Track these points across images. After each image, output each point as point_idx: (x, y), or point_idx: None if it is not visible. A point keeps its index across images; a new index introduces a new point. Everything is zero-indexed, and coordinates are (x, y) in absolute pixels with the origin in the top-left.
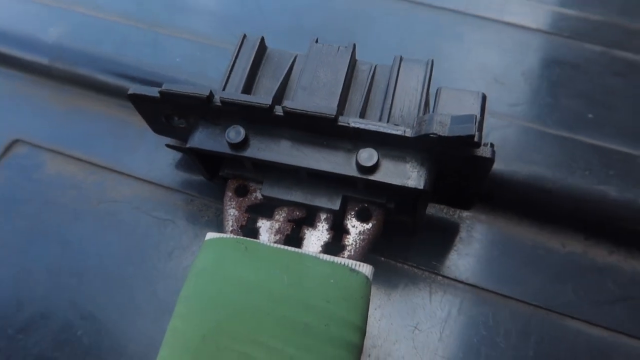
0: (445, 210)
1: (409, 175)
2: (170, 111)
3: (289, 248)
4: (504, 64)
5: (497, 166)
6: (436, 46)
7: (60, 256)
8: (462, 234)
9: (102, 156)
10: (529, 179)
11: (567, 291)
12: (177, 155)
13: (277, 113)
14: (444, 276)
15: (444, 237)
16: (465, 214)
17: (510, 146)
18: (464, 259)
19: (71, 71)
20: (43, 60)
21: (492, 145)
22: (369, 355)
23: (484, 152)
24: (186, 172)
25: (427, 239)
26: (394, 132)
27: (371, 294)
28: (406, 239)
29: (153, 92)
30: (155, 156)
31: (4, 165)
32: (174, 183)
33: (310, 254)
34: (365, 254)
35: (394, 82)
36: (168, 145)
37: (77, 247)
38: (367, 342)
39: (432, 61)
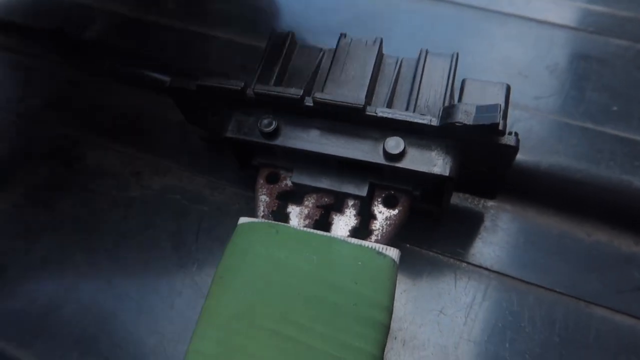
0: (470, 200)
1: (434, 162)
2: (206, 103)
3: (318, 232)
4: (528, 58)
5: (522, 156)
6: (460, 42)
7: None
8: (487, 222)
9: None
10: (553, 169)
11: (592, 280)
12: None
13: (307, 104)
14: (468, 263)
15: (469, 225)
16: (490, 203)
17: (535, 137)
18: (489, 247)
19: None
20: None
21: (516, 134)
22: (395, 338)
23: (508, 140)
24: (217, 162)
25: (452, 227)
26: (420, 120)
27: (398, 279)
28: (431, 227)
29: (191, 85)
30: (186, 146)
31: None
32: (204, 172)
33: (339, 237)
34: (392, 238)
35: (420, 74)
36: (202, 139)
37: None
38: (394, 325)
39: (457, 54)
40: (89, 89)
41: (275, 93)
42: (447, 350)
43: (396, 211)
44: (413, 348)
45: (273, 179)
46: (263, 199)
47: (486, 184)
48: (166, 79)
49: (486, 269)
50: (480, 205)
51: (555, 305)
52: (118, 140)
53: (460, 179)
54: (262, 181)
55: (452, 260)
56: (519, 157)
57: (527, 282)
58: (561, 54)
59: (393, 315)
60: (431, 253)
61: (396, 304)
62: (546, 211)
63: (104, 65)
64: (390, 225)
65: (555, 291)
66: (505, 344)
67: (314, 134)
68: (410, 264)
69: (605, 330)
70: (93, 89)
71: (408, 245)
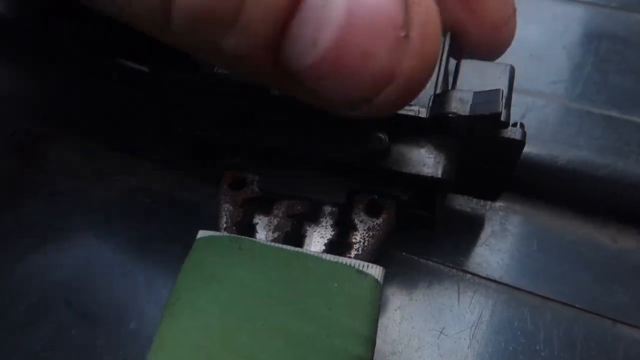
0: (474, 200)
1: (424, 162)
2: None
3: (288, 247)
4: (542, 38)
5: (536, 150)
6: None
7: None
8: (495, 226)
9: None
10: (573, 165)
11: (619, 293)
12: None
13: (273, 92)
14: (473, 274)
15: (473, 230)
16: (497, 204)
17: (551, 128)
18: (497, 254)
19: None
20: None
21: (522, 125)
22: None
23: (512, 133)
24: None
25: (454, 232)
26: (405, 112)
27: (391, 293)
28: (430, 232)
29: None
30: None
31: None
32: (175, 170)
33: (312, 253)
34: (375, 253)
35: None
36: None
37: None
38: (387, 348)
39: (451, 33)
40: (51, 80)
41: (237, 78)
42: None
43: (380, 220)
44: None
45: (238, 185)
46: (226, 207)
47: (487, 184)
48: (144, 69)
49: (494, 280)
50: (487, 206)
51: (576, 324)
52: (81, 136)
53: (457, 179)
54: (225, 187)
55: (454, 270)
56: (532, 150)
57: (542, 296)
58: (580, 32)
59: (386, 337)
60: (430, 263)
61: (389, 322)
62: (564, 213)
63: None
64: (373, 237)
65: (575, 307)
66: None
67: (284, 129)
68: (406, 276)
69: (635, 353)
70: (55, 81)
71: (404, 253)
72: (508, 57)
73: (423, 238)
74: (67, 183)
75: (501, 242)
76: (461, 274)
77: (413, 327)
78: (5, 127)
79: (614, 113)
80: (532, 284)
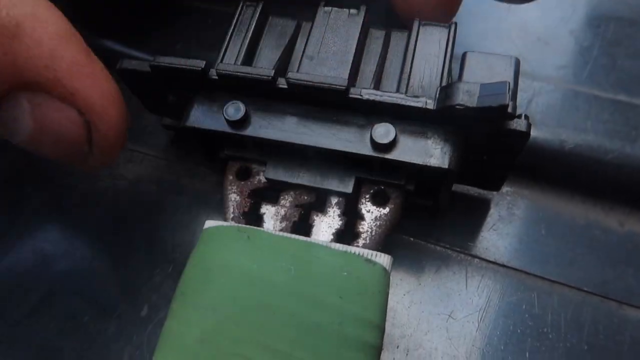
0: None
1: (431, 153)
2: (163, 87)
3: (296, 237)
4: (549, 22)
5: (543, 135)
6: (471, 5)
7: None
8: (502, 211)
9: None
10: (580, 149)
11: (626, 276)
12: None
13: (280, 85)
14: (481, 258)
15: (481, 215)
16: (505, 189)
17: (558, 112)
18: (505, 239)
19: None
20: None
21: (526, 117)
22: (398, 347)
23: (518, 125)
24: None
25: (462, 217)
26: (413, 104)
27: (400, 278)
28: (437, 217)
29: (143, 66)
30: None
31: None
32: (182, 159)
33: (320, 243)
34: (383, 242)
35: (412, 49)
36: (164, 126)
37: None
38: (396, 332)
39: (456, 24)
40: None
41: (243, 74)
42: None
43: (387, 210)
44: (418, 358)
45: (244, 175)
46: (233, 198)
47: (489, 174)
48: (148, 57)
49: (502, 265)
50: (493, 192)
51: (583, 307)
52: None
53: (461, 169)
54: (231, 177)
55: (462, 255)
56: (540, 135)
57: (550, 280)
58: (587, 15)
59: (395, 321)
60: (438, 247)
61: (399, 307)
62: (572, 198)
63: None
64: (380, 226)
65: (582, 290)
66: (525, 353)
67: (290, 121)
68: (414, 260)
69: None
70: None
71: (412, 239)
72: (515, 41)
73: (431, 223)
74: (75, 174)
75: (509, 226)
76: (469, 258)
77: (422, 311)
78: None
79: (622, 97)
80: (540, 268)
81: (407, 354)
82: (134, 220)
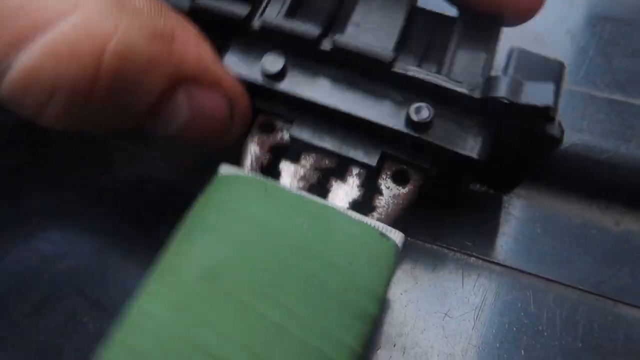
0: (478, 185)
1: (463, 140)
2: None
3: (315, 197)
4: (546, 22)
5: None
6: None
7: None
8: (498, 210)
9: None
10: (576, 149)
11: (622, 274)
12: None
13: (323, 47)
14: (477, 257)
15: (478, 214)
16: None
17: None
18: (501, 238)
19: None
20: None
21: (560, 124)
22: (394, 345)
23: (553, 130)
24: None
25: (459, 216)
26: (458, 89)
27: (397, 277)
28: (434, 216)
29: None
30: None
31: None
32: (185, 158)
33: (339, 208)
34: (397, 220)
35: (457, 35)
36: None
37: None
38: (393, 331)
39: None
40: None
41: (288, 29)
42: (454, 359)
43: (406, 190)
44: (415, 357)
45: (268, 129)
46: (253, 149)
47: (507, 175)
48: None
49: (498, 264)
50: (491, 190)
51: (579, 305)
52: None
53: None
54: (255, 129)
55: (458, 254)
56: None
57: (546, 279)
58: (584, 15)
59: (392, 320)
60: (435, 246)
61: (395, 305)
62: (567, 197)
63: None
64: (397, 204)
65: (578, 289)
66: (521, 350)
67: (325, 83)
68: (411, 259)
69: (636, 334)
70: None
71: (409, 238)
72: (512, 40)
73: (428, 222)
74: (75, 173)
75: (506, 226)
76: (465, 257)
77: (419, 310)
78: (10, 116)
79: (618, 97)
80: (536, 267)
81: (403, 353)
82: (134, 220)
